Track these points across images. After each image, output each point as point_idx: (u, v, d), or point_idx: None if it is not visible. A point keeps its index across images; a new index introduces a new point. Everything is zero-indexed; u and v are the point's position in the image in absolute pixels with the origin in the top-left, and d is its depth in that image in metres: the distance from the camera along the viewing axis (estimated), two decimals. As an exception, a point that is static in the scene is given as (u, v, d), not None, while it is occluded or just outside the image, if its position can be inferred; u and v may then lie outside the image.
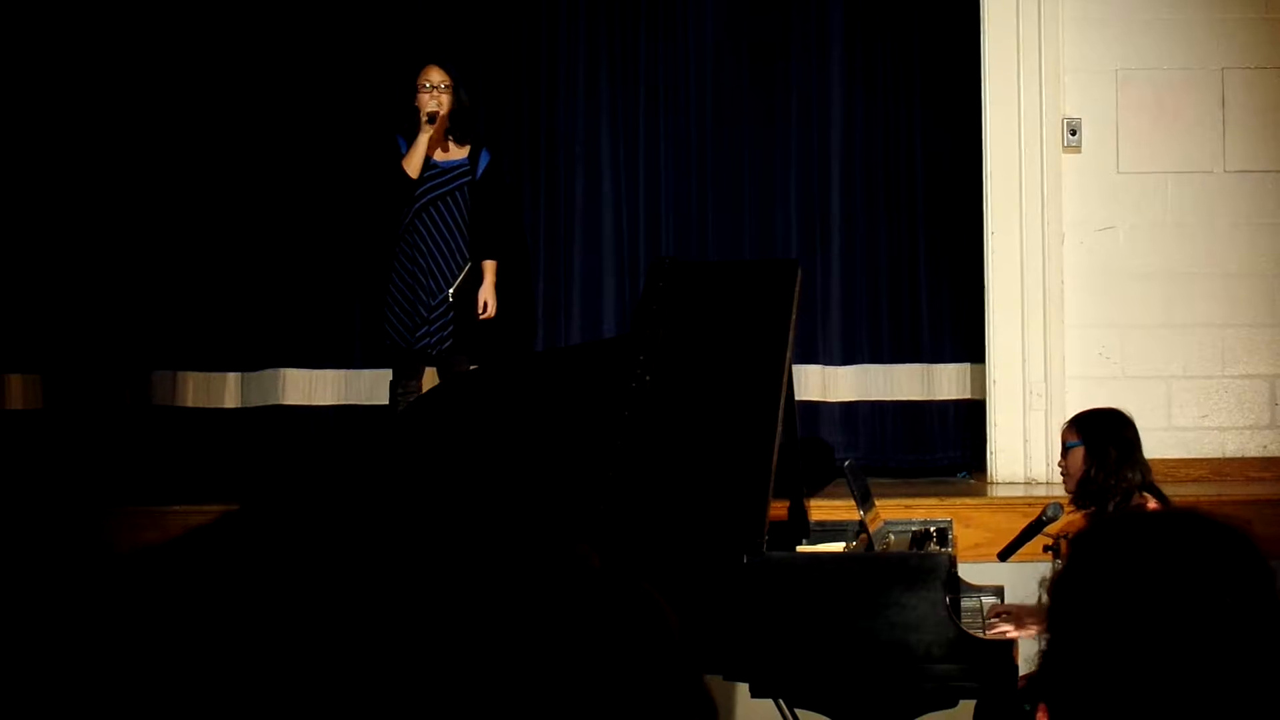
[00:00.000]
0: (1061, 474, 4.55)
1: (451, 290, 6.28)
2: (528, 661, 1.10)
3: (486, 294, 6.40)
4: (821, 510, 5.24)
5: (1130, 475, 4.33)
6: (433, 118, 6.26)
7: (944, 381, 7.10)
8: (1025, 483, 6.54)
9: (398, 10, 7.10)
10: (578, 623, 1.14)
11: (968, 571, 4.74)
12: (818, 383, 7.03)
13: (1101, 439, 4.38)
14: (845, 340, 7.10)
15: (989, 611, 4.42)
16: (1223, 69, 6.76)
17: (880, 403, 7.10)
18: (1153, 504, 4.32)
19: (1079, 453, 4.39)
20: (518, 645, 1.11)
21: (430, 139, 6.29)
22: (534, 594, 1.21)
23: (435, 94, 6.30)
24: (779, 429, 4.16)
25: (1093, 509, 4.33)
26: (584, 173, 7.16)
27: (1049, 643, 1.42)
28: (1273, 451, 6.69)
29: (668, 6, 7.20)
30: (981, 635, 4.05)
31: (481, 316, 6.37)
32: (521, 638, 1.12)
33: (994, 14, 6.73)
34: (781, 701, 4.12)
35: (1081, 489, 4.38)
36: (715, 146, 7.18)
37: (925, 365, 7.10)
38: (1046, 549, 4.30)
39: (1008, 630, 4.24)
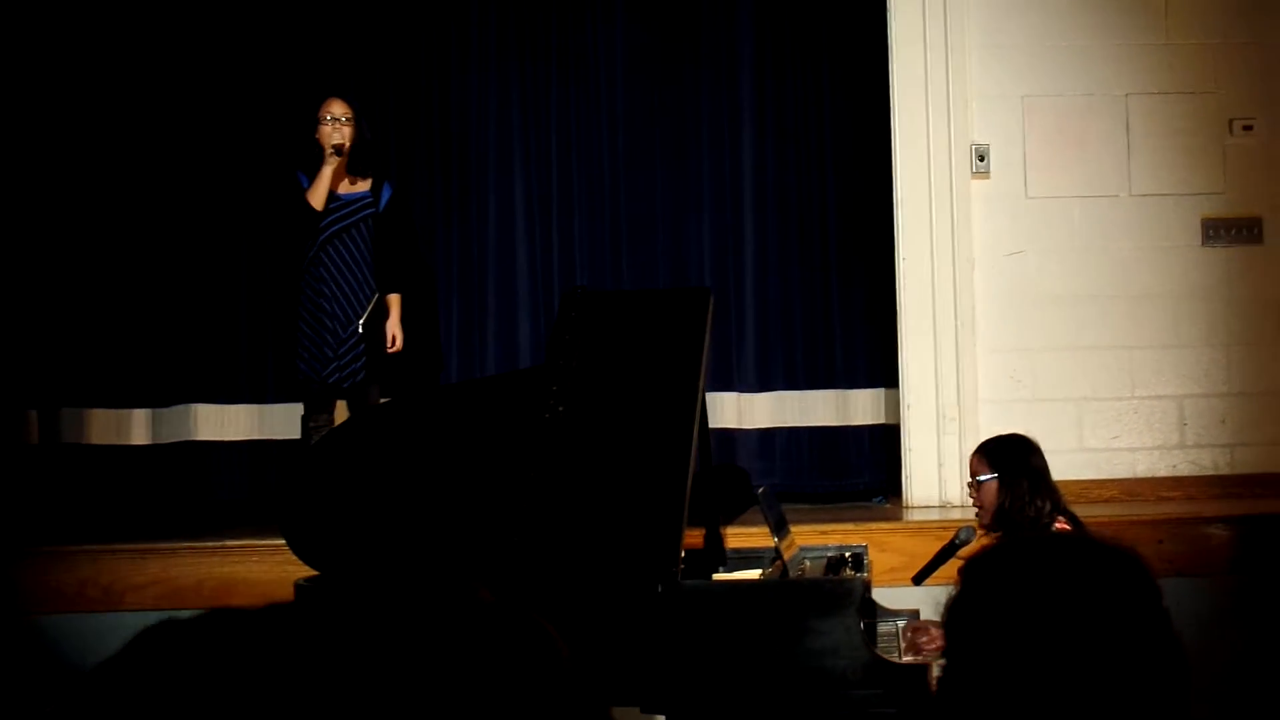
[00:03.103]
0: (974, 505, 4.54)
1: (361, 322, 6.23)
2: (415, 693, 1.10)
3: (394, 327, 6.36)
4: (738, 538, 5.23)
5: (1040, 504, 4.35)
6: (339, 149, 6.22)
7: (859, 407, 7.12)
8: (940, 506, 6.58)
9: (300, 46, 7.05)
10: (466, 656, 1.13)
11: (883, 596, 4.75)
12: (734, 410, 7.04)
13: (1013, 470, 4.39)
14: (760, 367, 7.11)
15: (905, 629, 4.42)
16: (1126, 95, 6.86)
17: (796, 429, 7.12)
18: (1061, 525, 4.35)
19: (992, 486, 4.40)
20: (406, 680, 1.10)
21: (334, 171, 6.25)
22: (425, 631, 1.20)
23: (338, 126, 6.26)
24: (693, 456, 4.15)
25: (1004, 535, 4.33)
26: (496, 204, 7.13)
27: (944, 667, 1.42)
28: (1182, 471, 6.78)
29: (578, 43, 7.19)
30: (898, 659, 4.05)
31: (390, 350, 6.33)
32: (409, 673, 1.11)
33: (901, 42, 6.80)
34: (700, 731, 4.10)
35: (996, 520, 4.39)
36: (628, 178, 7.17)
37: (840, 391, 7.12)
38: (961, 572, 4.30)
39: (929, 645, 4.21)
